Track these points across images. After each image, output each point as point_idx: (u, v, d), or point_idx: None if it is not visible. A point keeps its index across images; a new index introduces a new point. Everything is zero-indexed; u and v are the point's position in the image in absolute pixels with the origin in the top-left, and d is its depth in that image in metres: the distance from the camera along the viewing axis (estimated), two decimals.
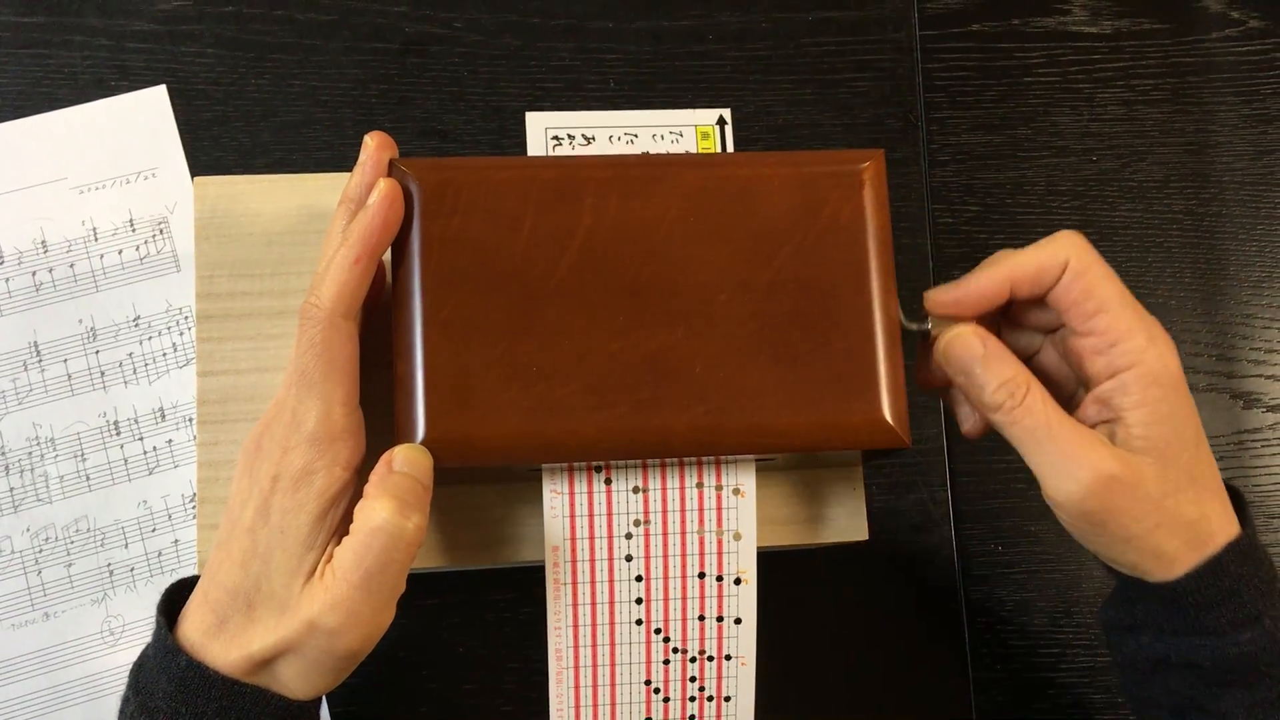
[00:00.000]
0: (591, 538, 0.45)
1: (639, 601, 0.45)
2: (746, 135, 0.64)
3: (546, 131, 0.48)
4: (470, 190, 0.43)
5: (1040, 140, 0.67)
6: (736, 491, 0.45)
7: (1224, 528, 0.44)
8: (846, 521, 0.51)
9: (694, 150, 0.49)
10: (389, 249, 0.44)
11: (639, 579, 0.45)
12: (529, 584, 0.57)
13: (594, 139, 0.48)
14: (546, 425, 0.42)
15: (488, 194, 0.43)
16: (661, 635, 0.46)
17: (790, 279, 0.44)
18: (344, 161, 0.61)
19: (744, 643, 0.46)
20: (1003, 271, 0.44)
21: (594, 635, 0.45)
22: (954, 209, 0.66)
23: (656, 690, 0.46)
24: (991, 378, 0.43)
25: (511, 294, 0.43)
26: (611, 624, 0.45)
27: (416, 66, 0.63)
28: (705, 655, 0.46)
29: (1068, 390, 0.47)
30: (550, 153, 0.48)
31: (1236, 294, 0.66)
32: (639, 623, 0.45)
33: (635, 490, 0.45)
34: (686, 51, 0.65)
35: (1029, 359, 0.48)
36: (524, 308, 0.43)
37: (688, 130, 0.49)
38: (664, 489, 0.45)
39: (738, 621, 0.46)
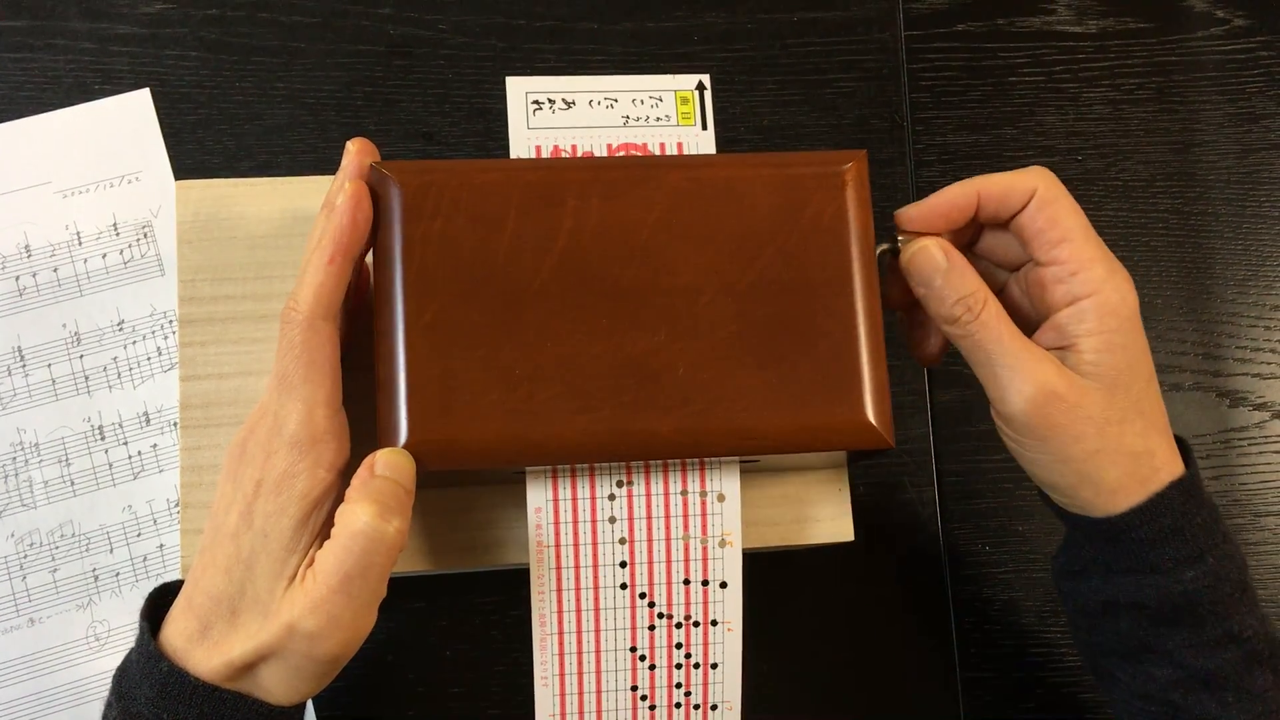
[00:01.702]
0: (574, 499, 0.45)
1: (623, 565, 0.45)
2: (731, 136, 0.64)
3: (527, 96, 0.49)
4: (452, 193, 0.43)
5: (1026, 140, 0.67)
6: None
7: (1169, 466, 0.45)
8: (833, 522, 0.51)
9: (673, 115, 0.49)
10: (371, 251, 0.44)
11: (623, 541, 0.45)
12: (515, 587, 0.57)
13: (574, 103, 0.49)
14: (530, 428, 0.42)
15: (470, 196, 0.43)
16: (646, 600, 0.46)
17: (773, 280, 0.44)
18: (328, 164, 0.61)
19: (730, 607, 0.46)
20: (972, 185, 0.46)
21: (578, 600, 0.45)
22: None
23: (642, 657, 0.46)
24: (951, 291, 0.45)
25: (494, 297, 0.43)
26: (595, 588, 0.45)
27: (401, 69, 0.63)
28: (691, 620, 0.46)
29: (1029, 327, 0.48)
30: (530, 117, 0.48)
31: (1222, 292, 0.67)
32: (623, 587, 0.45)
33: None
34: (671, 53, 0.65)
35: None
36: (506, 310, 0.43)
37: (667, 95, 0.50)
38: None
39: (723, 585, 0.46)
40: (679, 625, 0.46)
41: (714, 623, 0.46)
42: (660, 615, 0.46)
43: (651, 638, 0.46)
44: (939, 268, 0.45)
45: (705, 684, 0.47)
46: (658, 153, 0.49)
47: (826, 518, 0.51)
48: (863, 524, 0.53)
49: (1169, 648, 0.45)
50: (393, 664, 0.58)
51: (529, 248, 0.43)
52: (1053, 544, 0.62)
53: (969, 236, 0.48)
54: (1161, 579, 0.44)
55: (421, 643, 0.58)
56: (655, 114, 0.50)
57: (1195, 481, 0.45)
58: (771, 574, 0.58)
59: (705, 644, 0.46)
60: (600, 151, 0.49)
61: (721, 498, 0.45)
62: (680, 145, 0.50)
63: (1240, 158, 0.68)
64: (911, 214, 0.46)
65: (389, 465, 0.41)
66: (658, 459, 0.44)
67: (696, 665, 0.46)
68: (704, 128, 0.50)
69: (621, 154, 0.49)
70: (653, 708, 0.47)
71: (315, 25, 0.63)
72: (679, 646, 0.46)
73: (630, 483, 0.45)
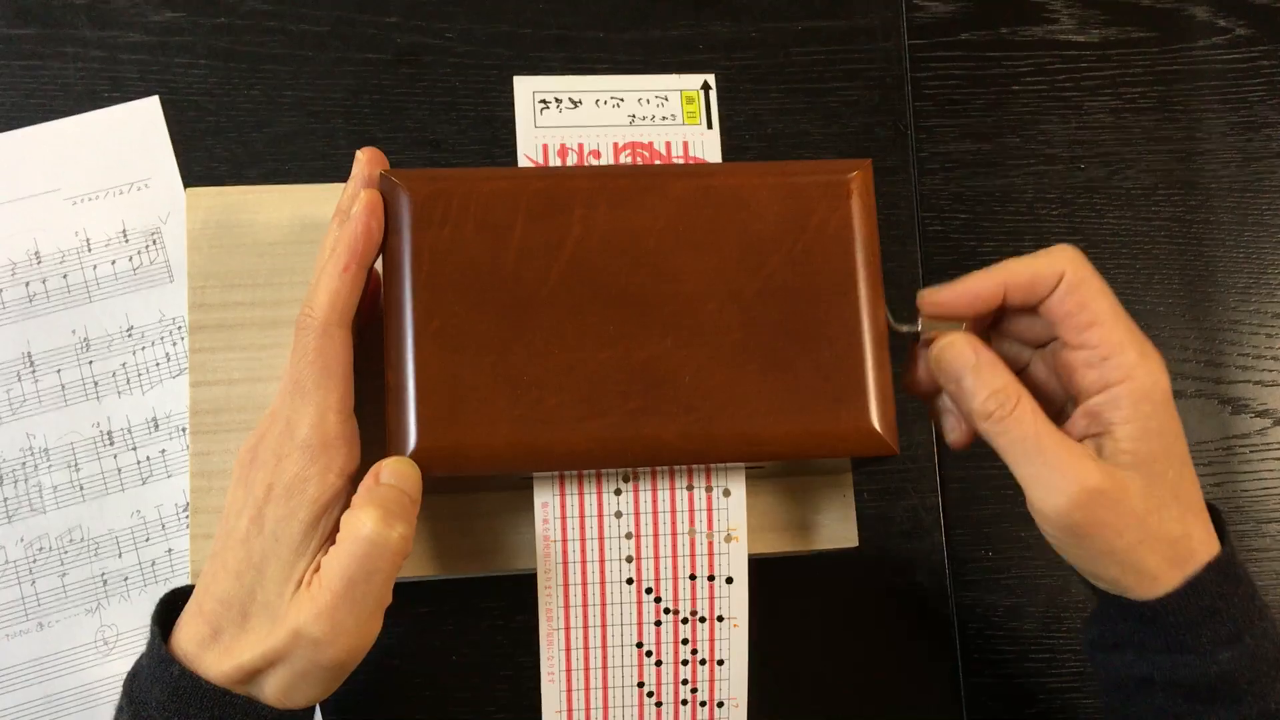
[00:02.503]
0: (581, 494, 0.45)
1: (629, 560, 0.46)
2: (736, 144, 0.64)
3: (534, 95, 0.49)
4: (461, 201, 0.44)
5: (1029, 148, 0.67)
6: None
7: (1205, 546, 0.44)
8: (837, 528, 0.51)
9: (679, 114, 0.50)
10: (380, 258, 0.44)
11: (629, 537, 0.45)
12: (521, 592, 0.57)
13: (581, 102, 0.49)
14: (537, 435, 0.43)
15: (478, 204, 0.44)
16: (653, 595, 0.46)
17: (779, 287, 0.45)
18: (336, 172, 0.61)
19: (736, 603, 0.46)
20: (998, 275, 0.44)
21: (584, 595, 0.45)
22: (943, 217, 0.66)
23: (649, 653, 0.46)
24: (982, 387, 0.43)
25: (502, 304, 0.43)
26: (602, 583, 0.46)
27: (409, 77, 0.63)
28: (697, 616, 0.46)
29: (1055, 405, 0.47)
30: (538, 116, 0.49)
31: (1224, 300, 0.67)
32: (630, 582, 0.46)
33: None
34: (677, 61, 0.65)
35: (1017, 372, 0.47)
36: (514, 317, 0.43)
37: (673, 95, 0.50)
38: None
39: (729, 581, 0.46)
40: (685, 621, 0.46)
41: (720, 618, 0.46)
42: (666, 611, 0.46)
43: (658, 633, 0.46)
44: (969, 364, 0.44)
45: (712, 680, 0.47)
46: (664, 151, 0.50)
47: (830, 524, 0.51)
48: (866, 530, 0.53)
49: None
50: (399, 669, 0.58)
51: (536, 255, 0.44)
52: (1055, 551, 0.63)
53: (993, 316, 0.47)
54: (1197, 659, 0.43)
55: (428, 648, 0.58)
56: (661, 113, 0.50)
57: (1231, 558, 0.44)
58: (775, 579, 0.58)
59: (712, 640, 0.46)
60: (607, 150, 0.49)
61: (727, 493, 0.46)
62: (686, 144, 0.50)
63: (1242, 166, 0.68)
64: (936, 299, 0.45)
65: (394, 473, 0.41)
66: (664, 465, 0.44)
67: (703, 661, 0.47)
68: (709, 127, 0.50)
69: (628, 156, 0.49)
70: (659, 704, 0.47)
71: (323, 34, 0.63)
72: (685, 642, 0.46)
73: (636, 478, 0.45)
